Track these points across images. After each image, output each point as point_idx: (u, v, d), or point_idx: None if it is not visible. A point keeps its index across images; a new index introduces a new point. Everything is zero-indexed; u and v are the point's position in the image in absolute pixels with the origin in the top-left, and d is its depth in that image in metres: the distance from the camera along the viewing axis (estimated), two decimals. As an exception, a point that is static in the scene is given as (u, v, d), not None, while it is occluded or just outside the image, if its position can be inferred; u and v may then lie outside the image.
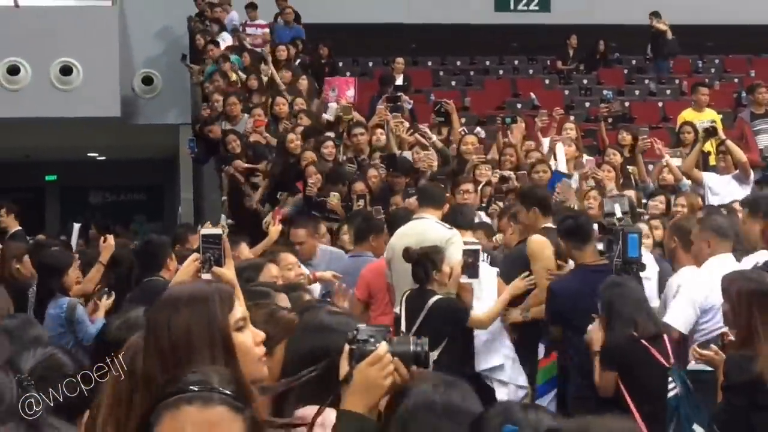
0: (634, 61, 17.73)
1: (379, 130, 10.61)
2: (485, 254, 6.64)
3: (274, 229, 7.32)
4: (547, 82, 16.96)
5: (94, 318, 6.29)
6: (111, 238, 7.12)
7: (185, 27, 16.44)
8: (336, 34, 16.27)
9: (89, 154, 20.86)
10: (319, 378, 2.55)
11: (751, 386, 4.31)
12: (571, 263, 6.13)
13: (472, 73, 17.53)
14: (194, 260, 3.76)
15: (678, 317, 5.60)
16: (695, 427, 4.89)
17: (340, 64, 16.36)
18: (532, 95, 15.43)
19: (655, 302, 6.01)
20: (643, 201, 9.02)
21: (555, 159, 9.90)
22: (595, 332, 5.19)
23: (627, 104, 15.74)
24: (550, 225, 6.50)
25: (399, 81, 14.09)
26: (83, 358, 3.22)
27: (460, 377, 2.48)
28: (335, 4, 17.32)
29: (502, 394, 6.16)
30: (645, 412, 4.69)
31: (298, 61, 14.50)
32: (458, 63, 17.98)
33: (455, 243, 6.12)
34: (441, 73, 17.44)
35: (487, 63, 18.01)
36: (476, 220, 7.64)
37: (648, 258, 6.12)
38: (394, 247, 6.36)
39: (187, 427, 2.01)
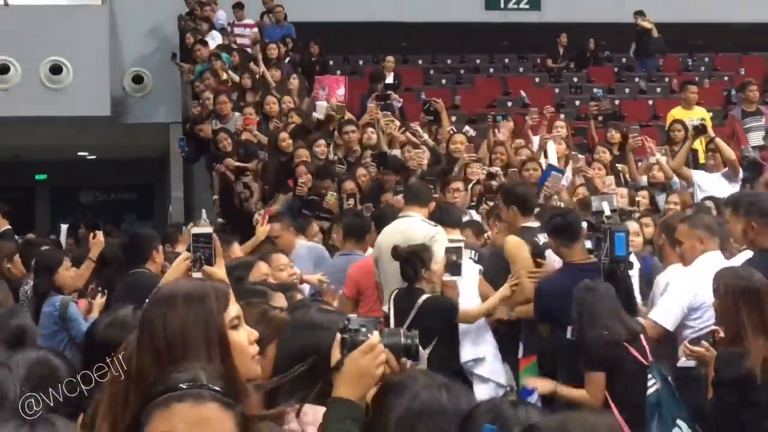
0: (624, 60, 17.76)
1: (370, 129, 10.62)
2: (473, 252, 6.65)
3: (262, 229, 7.33)
4: (537, 80, 16.98)
5: (89, 317, 6.29)
6: (100, 234, 7.12)
7: (175, 26, 16.42)
8: (326, 32, 16.26)
9: (79, 153, 20.82)
10: (309, 374, 2.56)
11: (741, 383, 4.33)
12: (552, 262, 6.14)
13: (462, 71, 17.54)
14: (185, 259, 3.76)
15: (664, 315, 5.62)
16: (678, 422, 4.91)
17: (331, 62, 16.35)
18: (523, 93, 15.45)
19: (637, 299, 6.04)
20: (636, 199, 9.05)
21: (546, 157, 9.92)
22: None
23: (617, 102, 15.77)
24: (530, 224, 6.48)
25: (389, 79, 14.09)
26: (75, 357, 3.22)
27: (447, 374, 2.50)
28: (326, 3, 17.31)
29: (481, 391, 6.10)
30: (626, 411, 4.73)
31: (288, 59, 14.49)
32: (449, 61, 17.99)
33: (439, 240, 6.14)
34: (431, 72, 17.46)
35: (478, 61, 18.03)
36: (466, 218, 7.65)
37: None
38: (381, 246, 6.38)
39: (179, 425, 2.01)
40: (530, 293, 6.14)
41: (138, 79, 17.10)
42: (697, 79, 14.56)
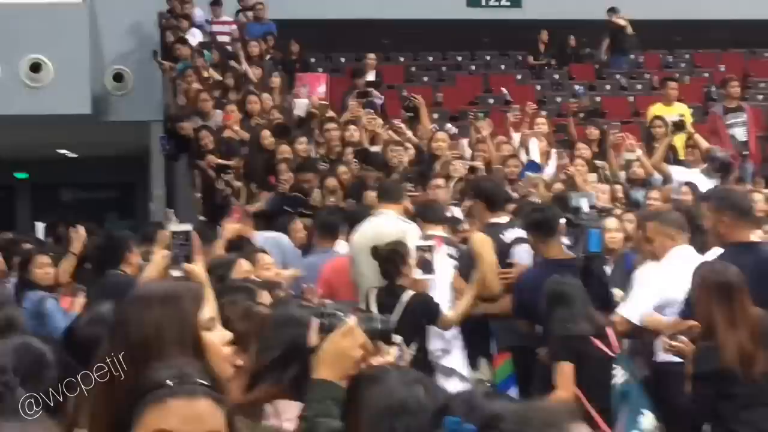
0: (605, 57, 17.81)
1: (352, 126, 10.64)
2: (455, 250, 6.66)
3: (230, 227, 7.31)
4: (519, 77, 17.01)
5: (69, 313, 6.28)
6: (81, 228, 7.11)
7: (156, 23, 16.37)
8: (308, 29, 16.23)
9: (60, 152, 20.73)
10: (282, 364, 2.60)
11: (718, 376, 4.37)
12: (520, 260, 6.17)
13: (444, 68, 17.56)
14: (164, 257, 3.76)
15: (632, 309, 5.64)
16: (645, 411, 4.95)
17: (312, 60, 16.34)
18: (504, 90, 15.48)
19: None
20: (618, 195, 9.11)
21: (527, 153, 9.96)
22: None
23: (598, 99, 15.82)
24: (499, 220, 6.48)
25: (371, 77, 14.10)
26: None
27: (419, 368, 2.53)
28: (307, 0, 17.30)
29: (444, 384, 6.12)
30: (592, 403, 4.77)
31: (269, 56, 14.47)
32: (430, 59, 18.01)
33: (411, 237, 6.17)
34: (413, 69, 17.46)
35: (459, 59, 18.05)
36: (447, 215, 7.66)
37: None
38: (355, 245, 6.41)
39: (173, 421, 2.01)
40: (495, 290, 6.18)
41: (119, 77, 17.04)
42: (677, 75, 14.64)
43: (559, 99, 15.61)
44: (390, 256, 5.93)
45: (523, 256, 6.27)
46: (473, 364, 6.39)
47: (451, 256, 6.56)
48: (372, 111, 11.18)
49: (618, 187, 9.01)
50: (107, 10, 16.75)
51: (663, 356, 5.33)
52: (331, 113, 11.62)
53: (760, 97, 15.26)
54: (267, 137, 10.62)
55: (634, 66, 17.51)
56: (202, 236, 4.30)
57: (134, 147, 18.60)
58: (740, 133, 11.59)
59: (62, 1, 16.54)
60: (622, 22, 16.60)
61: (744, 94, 12.86)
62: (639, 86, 16.64)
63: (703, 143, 10.36)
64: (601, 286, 5.67)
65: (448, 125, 11.91)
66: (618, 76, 16.89)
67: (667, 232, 5.58)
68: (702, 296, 4.49)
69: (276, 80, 12.90)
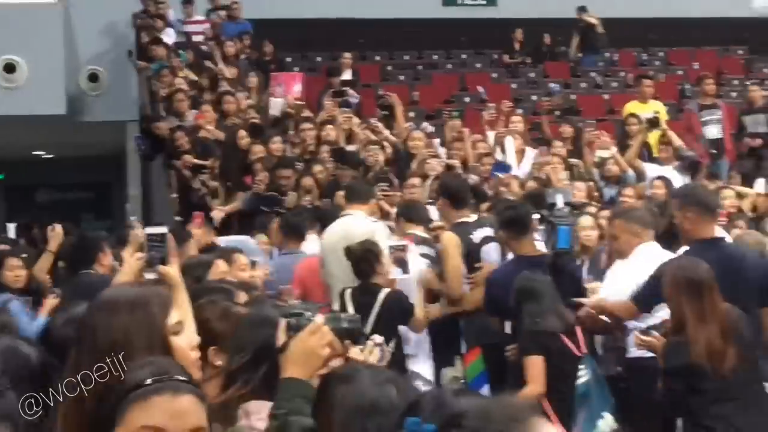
0: (580, 54, 17.87)
1: (329, 126, 10.64)
2: (430, 248, 6.68)
3: (196, 233, 7.29)
4: (494, 75, 17.05)
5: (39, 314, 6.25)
6: (59, 227, 7.09)
7: (131, 23, 16.31)
8: (283, 29, 16.21)
9: (35, 153, 20.61)
10: (254, 364, 2.61)
11: (688, 371, 4.40)
12: (488, 260, 6.20)
13: (420, 67, 17.58)
14: (138, 259, 3.74)
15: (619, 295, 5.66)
16: (604, 414, 4.99)
17: (288, 59, 16.32)
18: (480, 89, 15.50)
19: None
20: (594, 193, 9.16)
21: (503, 152, 10.00)
22: None
23: (573, 97, 15.88)
24: (466, 219, 6.50)
25: (347, 76, 14.09)
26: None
27: (392, 367, 2.54)
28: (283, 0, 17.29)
29: None
30: (556, 400, 4.80)
31: (244, 56, 14.43)
32: (406, 57, 18.01)
33: (380, 237, 6.20)
34: (389, 68, 17.47)
35: (435, 57, 18.07)
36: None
37: None
38: (325, 246, 6.44)
39: (158, 417, 2.02)
40: (455, 292, 6.21)
41: (94, 78, 16.96)
42: (652, 73, 14.69)
43: (534, 97, 15.65)
44: (364, 255, 5.95)
45: (491, 254, 6.31)
46: (448, 361, 6.42)
47: (427, 256, 6.59)
48: (348, 110, 11.19)
49: (591, 184, 9.07)
50: (82, 11, 16.66)
51: (635, 352, 5.37)
52: (306, 113, 11.61)
53: (734, 94, 15.36)
54: (243, 137, 10.61)
55: (608, 64, 17.58)
56: (176, 237, 4.29)
57: (110, 147, 18.51)
58: (715, 131, 11.67)
59: (37, 2, 16.43)
60: (592, 20, 16.67)
61: (718, 91, 12.93)
62: (614, 84, 16.71)
63: (677, 140, 10.43)
64: (574, 283, 5.69)
65: (425, 124, 11.93)
66: (593, 74, 16.95)
67: (633, 229, 5.61)
68: (672, 292, 4.52)
69: (254, 80, 12.89)
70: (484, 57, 17.99)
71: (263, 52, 14.96)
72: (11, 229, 9.21)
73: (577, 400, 5.06)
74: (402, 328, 6.16)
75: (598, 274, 6.43)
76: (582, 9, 16.68)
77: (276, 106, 11.81)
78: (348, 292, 6.00)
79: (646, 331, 4.93)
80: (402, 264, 6.08)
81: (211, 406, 2.27)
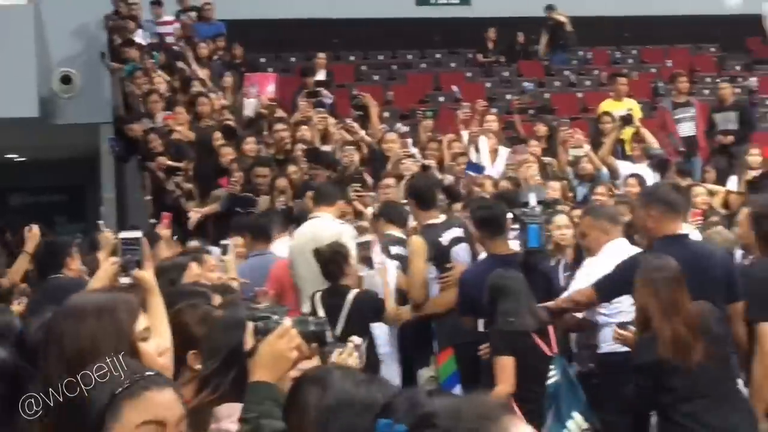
0: (544, 53, 17.92)
1: (304, 126, 10.63)
2: (405, 249, 6.69)
3: (162, 233, 7.26)
4: (469, 75, 17.08)
5: None
6: (36, 227, 7.04)
7: (102, 25, 16.23)
8: (257, 29, 16.18)
9: (7, 156, 20.47)
10: (224, 370, 2.62)
11: (656, 367, 4.42)
12: (458, 262, 6.22)
13: (394, 67, 17.60)
14: (112, 263, 3.71)
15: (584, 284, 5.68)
16: (573, 414, 5.00)
17: (262, 60, 16.29)
18: (455, 88, 15.53)
19: None
20: (569, 193, 9.19)
21: (477, 151, 10.01)
22: None
23: (547, 96, 15.93)
24: (435, 221, 6.51)
25: (321, 76, 14.07)
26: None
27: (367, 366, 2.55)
28: (256, 0, 17.24)
29: None
30: (526, 400, 4.82)
31: (216, 57, 14.37)
32: (380, 57, 18.03)
33: (347, 238, 6.22)
34: (363, 68, 17.48)
35: (409, 57, 18.09)
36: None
37: None
38: (293, 249, 6.45)
39: (155, 410, 2.06)
40: (418, 298, 6.23)
41: (66, 80, 16.84)
42: (625, 71, 14.76)
43: (508, 96, 15.70)
44: (332, 257, 5.97)
45: (461, 255, 6.33)
46: (423, 362, 6.43)
47: (401, 257, 6.60)
48: (323, 110, 11.18)
49: (565, 183, 9.10)
50: (53, 12, 16.55)
51: (606, 347, 5.39)
52: (280, 113, 11.59)
53: (706, 91, 15.45)
54: (219, 139, 10.59)
55: (582, 62, 17.65)
56: (149, 239, 4.26)
57: (83, 150, 18.42)
58: (689, 128, 11.74)
59: (7, 3, 16.32)
60: (561, 19, 16.73)
61: (691, 89, 13.01)
62: (587, 82, 16.77)
63: (650, 138, 10.49)
64: (547, 282, 5.71)
65: (398, 125, 11.94)
66: (567, 73, 17.01)
67: (601, 226, 5.63)
68: (640, 288, 4.54)
69: (228, 80, 12.86)
70: (458, 56, 18.02)
71: (233, 54, 14.86)
72: None
73: (546, 401, 5.07)
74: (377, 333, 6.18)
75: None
76: (550, 7, 16.74)
77: (250, 106, 11.79)
78: (318, 295, 6.02)
79: (623, 325, 4.95)
80: (367, 261, 6.10)
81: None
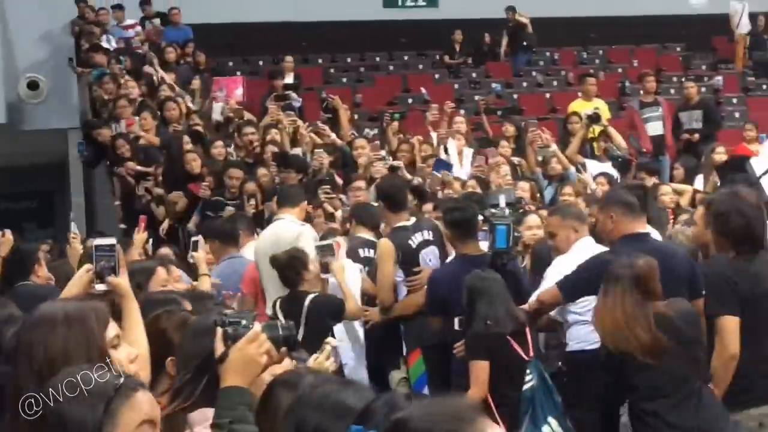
0: (504, 54, 17.99)
1: (273, 130, 10.62)
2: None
3: (139, 237, 7.24)
4: (437, 76, 17.13)
5: None
6: (9, 232, 6.99)
7: (69, 30, 16.14)
8: (224, 32, 16.15)
9: (-25, 163, 20.33)
10: (197, 377, 2.63)
11: (620, 364, 4.46)
12: (426, 265, 6.25)
13: (362, 69, 17.61)
14: (87, 271, 3.69)
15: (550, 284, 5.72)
16: (549, 419, 5.04)
17: (230, 63, 16.26)
18: (423, 90, 15.58)
19: None
20: (537, 194, 9.25)
21: (447, 153, 10.04)
22: None
23: (515, 96, 16.00)
24: (405, 223, 6.53)
25: (290, 79, 14.06)
26: None
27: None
28: (224, 4, 17.20)
29: None
30: (502, 405, 4.85)
31: (183, 62, 14.31)
32: (348, 60, 18.04)
33: (306, 238, 6.23)
34: (332, 71, 17.48)
35: (377, 59, 18.12)
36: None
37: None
38: (257, 251, 6.47)
39: (146, 408, 2.08)
40: (385, 302, 6.26)
41: (33, 86, 16.75)
42: (592, 71, 14.86)
43: (477, 97, 15.74)
44: (289, 263, 5.96)
45: (430, 258, 6.36)
46: (393, 364, 6.46)
47: (370, 260, 6.62)
48: (292, 113, 11.18)
49: (533, 184, 9.15)
50: (19, 18, 16.46)
51: (575, 345, 5.43)
52: (248, 116, 11.59)
53: (672, 91, 15.58)
54: (188, 143, 10.57)
55: (549, 63, 17.74)
56: (121, 246, 4.25)
57: (52, 155, 18.30)
58: (657, 127, 11.83)
59: (-28, 10, 16.23)
60: (523, 20, 16.82)
61: (657, 88, 13.11)
62: (555, 83, 16.86)
63: (617, 137, 10.57)
64: (516, 282, 5.74)
65: (366, 130, 11.97)
66: (534, 74, 17.09)
67: (570, 224, 5.66)
68: (607, 286, 4.56)
69: (196, 82, 12.82)
70: (426, 58, 18.07)
71: (197, 61, 14.74)
72: None
73: (523, 405, 5.09)
74: (339, 337, 6.18)
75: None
76: (510, 9, 16.83)
77: (218, 110, 11.77)
78: (278, 303, 6.02)
79: None
80: (326, 267, 6.09)
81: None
